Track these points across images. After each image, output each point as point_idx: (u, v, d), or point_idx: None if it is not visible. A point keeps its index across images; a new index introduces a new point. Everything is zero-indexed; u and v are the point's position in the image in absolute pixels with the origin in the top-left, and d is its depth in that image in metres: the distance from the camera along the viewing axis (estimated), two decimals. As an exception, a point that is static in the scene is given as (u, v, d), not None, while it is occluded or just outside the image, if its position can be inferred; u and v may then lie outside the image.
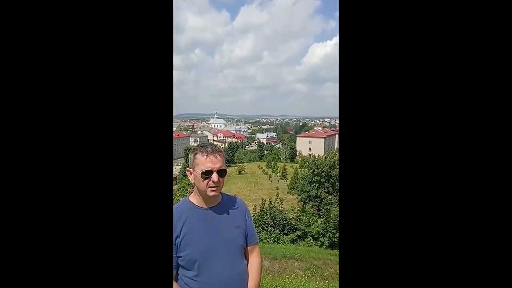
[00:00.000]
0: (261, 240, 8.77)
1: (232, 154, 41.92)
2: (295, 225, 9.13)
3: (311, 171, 17.59)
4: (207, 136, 71.06)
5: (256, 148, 58.05)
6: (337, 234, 8.62)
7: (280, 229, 9.03)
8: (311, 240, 8.83)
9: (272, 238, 8.78)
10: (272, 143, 74.49)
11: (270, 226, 9.06)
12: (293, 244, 8.65)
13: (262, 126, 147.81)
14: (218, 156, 1.14)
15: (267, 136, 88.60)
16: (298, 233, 8.93)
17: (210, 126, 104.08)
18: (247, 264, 1.24)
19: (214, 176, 1.13)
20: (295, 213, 9.93)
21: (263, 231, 9.09)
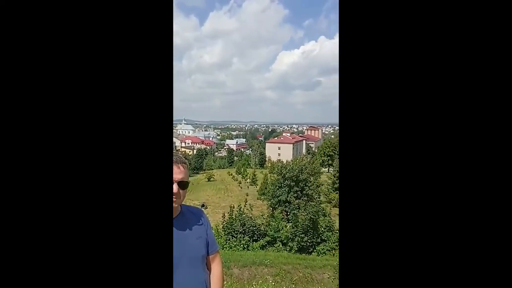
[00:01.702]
0: (231, 247, 8.67)
1: (200, 161, 41.18)
2: (265, 231, 9.16)
3: (280, 176, 17.83)
4: (174, 142, 69.14)
5: (225, 154, 57.69)
6: (305, 238, 8.79)
7: (249, 235, 8.99)
8: (280, 245, 8.90)
9: (241, 245, 8.71)
10: (242, 149, 74.57)
11: (240, 233, 8.99)
12: (263, 250, 8.66)
13: (232, 132, 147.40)
14: (180, 167, 1.14)
15: (237, 142, 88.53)
16: (267, 238, 8.96)
17: (178, 132, 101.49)
18: (209, 274, 1.25)
19: (174, 187, 1.11)
20: (264, 219, 9.96)
21: (232, 239, 8.99)
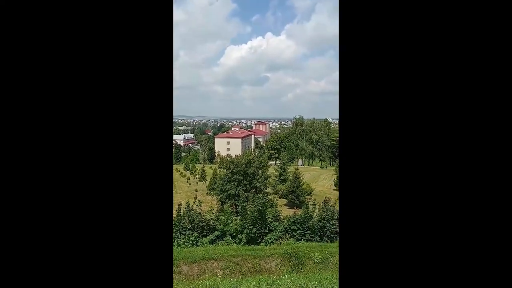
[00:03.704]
0: (179, 245, 8.50)
1: (145, 157, 38.81)
2: (214, 225, 9.18)
3: (229, 170, 17.93)
4: (115, 139, 63.67)
5: (172, 150, 55.44)
6: (254, 230, 9.06)
7: (198, 231, 8.93)
8: (230, 238, 9.02)
9: (190, 242, 8.61)
10: (190, 144, 72.59)
11: (188, 229, 8.87)
12: (212, 244, 8.68)
13: (179, 127, 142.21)
14: None
15: (185, 138, 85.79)
16: (216, 233, 9.00)
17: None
18: None
19: None
20: (213, 213, 9.96)
21: (180, 236, 8.82)
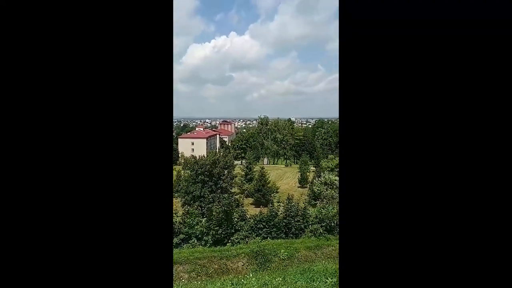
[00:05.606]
0: (141, 251, 8.11)
1: (103, 160, 36.46)
2: (178, 228, 8.91)
3: (193, 172, 17.51)
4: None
5: (133, 152, 52.79)
6: (220, 231, 8.95)
7: (162, 235, 8.61)
8: (195, 240, 8.83)
9: (153, 247, 8.26)
10: (152, 145, 69.73)
11: (151, 234, 8.51)
12: (177, 248, 8.42)
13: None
14: None
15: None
16: (181, 236, 8.75)
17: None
18: None
19: None
20: (178, 216, 9.67)
21: (143, 241, 8.43)
